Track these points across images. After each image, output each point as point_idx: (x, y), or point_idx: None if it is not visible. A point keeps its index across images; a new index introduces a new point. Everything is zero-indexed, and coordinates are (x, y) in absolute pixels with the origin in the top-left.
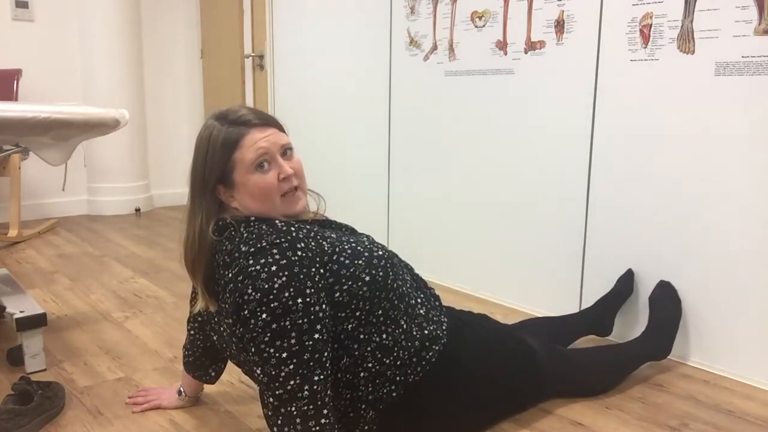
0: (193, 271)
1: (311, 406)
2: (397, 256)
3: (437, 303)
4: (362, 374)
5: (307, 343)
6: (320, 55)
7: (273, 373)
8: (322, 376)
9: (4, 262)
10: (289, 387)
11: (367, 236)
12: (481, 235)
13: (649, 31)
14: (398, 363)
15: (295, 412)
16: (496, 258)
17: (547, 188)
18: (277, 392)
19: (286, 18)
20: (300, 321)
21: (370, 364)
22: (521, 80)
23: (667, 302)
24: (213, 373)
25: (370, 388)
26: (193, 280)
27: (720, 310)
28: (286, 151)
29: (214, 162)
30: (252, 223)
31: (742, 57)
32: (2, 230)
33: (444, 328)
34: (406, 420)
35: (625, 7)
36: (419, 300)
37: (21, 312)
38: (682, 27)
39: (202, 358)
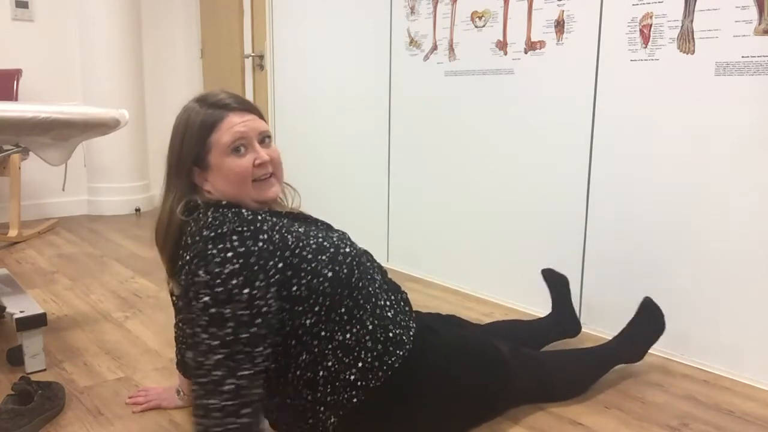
0: (161, 249)
1: (231, 402)
2: (367, 255)
3: (407, 308)
4: (321, 373)
5: (241, 335)
6: (320, 55)
7: (201, 359)
8: (249, 372)
9: (4, 262)
10: (214, 377)
11: (341, 233)
12: (481, 234)
13: (649, 31)
14: (359, 365)
15: (214, 406)
16: (496, 258)
17: (547, 188)
18: (201, 380)
19: (286, 18)
20: (240, 312)
21: (330, 363)
22: (521, 80)
23: (653, 315)
24: None
25: (329, 389)
26: (161, 257)
27: (720, 310)
28: (264, 138)
29: (191, 143)
30: (220, 209)
31: (742, 57)
32: (2, 230)
33: (411, 333)
34: (367, 427)
35: (625, 7)
36: (388, 303)
37: (21, 312)
38: (682, 27)
39: None
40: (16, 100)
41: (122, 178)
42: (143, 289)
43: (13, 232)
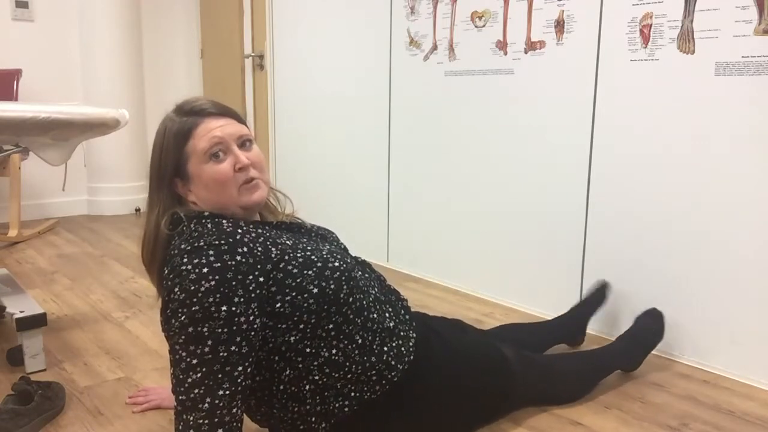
0: (149, 267)
1: (206, 421)
2: (363, 266)
3: (407, 316)
4: (307, 386)
5: (221, 354)
6: (320, 55)
7: (181, 377)
8: (228, 392)
9: (4, 262)
10: (192, 395)
11: (333, 246)
12: (481, 234)
13: (649, 31)
14: (350, 377)
15: (191, 422)
16: (496, 258)
17: (547, 188)
18: (180, 398)
19: (286, 18)
20: (219, 330)
21: (316, 377)
22: (521, 80)
23: (652, 322)
24: None
25: (318, 400)
26: (150, 277)
27: (720, 310)
28: (244, 142)
29: (169, 153)
30: (202, 221)
31: (742, 57)
32: (2, 230)
33: (411, 344)
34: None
35: (625, 7)
36: (387, 314)
37: (21, 312)
38: (682, 27)
39: None
40: (16, 100)
41: (122, 178)
42: (143, 289)
43: (13, 232)
